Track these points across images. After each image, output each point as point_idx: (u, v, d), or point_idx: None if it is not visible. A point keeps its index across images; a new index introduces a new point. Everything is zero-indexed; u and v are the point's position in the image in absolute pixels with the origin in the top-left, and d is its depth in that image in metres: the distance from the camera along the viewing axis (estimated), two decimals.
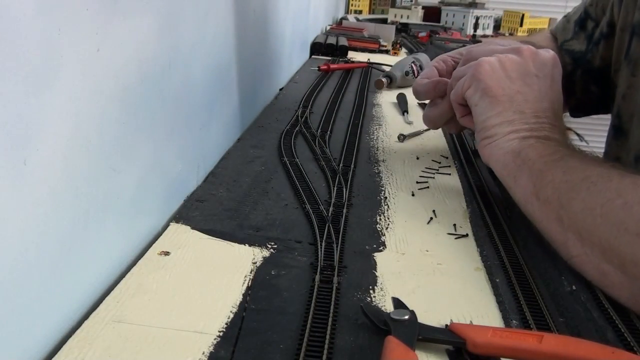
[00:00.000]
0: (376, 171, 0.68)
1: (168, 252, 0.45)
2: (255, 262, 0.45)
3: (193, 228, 0.49)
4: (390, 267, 0.46)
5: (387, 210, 0.57)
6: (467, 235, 0.53)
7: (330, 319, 0.37)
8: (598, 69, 0.76)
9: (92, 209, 0.39)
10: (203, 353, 0.34)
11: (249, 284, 0.42)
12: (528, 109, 0.57)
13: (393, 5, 3.17)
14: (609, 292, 0.43)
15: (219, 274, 0.43)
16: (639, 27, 0.67)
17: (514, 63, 0.59)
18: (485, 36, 2.75)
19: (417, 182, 0.65)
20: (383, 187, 0.63)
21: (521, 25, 2.96)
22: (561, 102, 0.60)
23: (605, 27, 0.75)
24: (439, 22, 2.97)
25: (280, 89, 1.10)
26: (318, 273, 0.43)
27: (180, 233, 0.49)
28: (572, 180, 0.48)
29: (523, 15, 2.97)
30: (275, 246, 0.48)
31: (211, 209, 0.54)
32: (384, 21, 2.77)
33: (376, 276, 0.45)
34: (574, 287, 0.45)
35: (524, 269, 0.47)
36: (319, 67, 1.26)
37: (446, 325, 0.38)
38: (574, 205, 0.47)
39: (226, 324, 0.37)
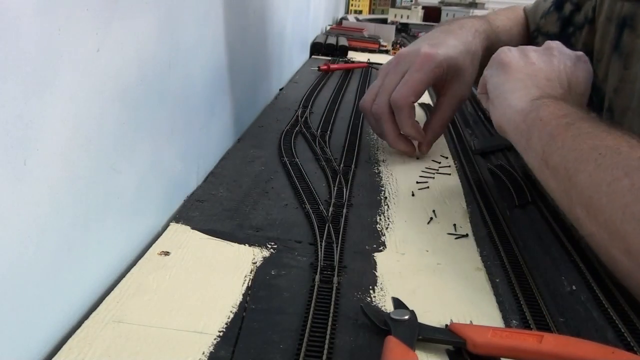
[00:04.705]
0: (376, 171, 0.68)
1: (168, 252, 0.45)
2: (255, 262, 0.45)
3: (193, 228, 0.49)
4: (390, 267, 0.46)
5: (387, 210, 0.57)
6: (467, 235, 0.53)
7: (330, 319, 0.37)
8: None
9: (92, 209, 0.39)
10: (203, 353, 0.34)
11: (249, 284, 0.42)
12: (539, 72, 0.58)
13: (393, 5, 3.18)
14: (620, 280, 0.43)
15: (219, 274, 0.43)
16: (630, 18, 0.67)
17: (535, 49, 0.61)
18: None
19: (417, 182, 0.65)
20: (383, 187, 0.63)
21: None
22: (583, 92, 0.59)
23: (590, 12, 0.75)
24: (439, 22, 2.97)
25: (280, 89, 1.10)
26: (318, 273, 0.43)
27: (180, 233, 0.49)
28: (581, 148, 0.46)
29: None
30: (275, 246, 0.48)
31: (211, 209, 0.54)
32: (384, 21, 2.77)
33: (376, 276, 0.45)
34: (574, 287, 0.45)
35: (524, 269, 0.47)
36: (319, 67, 1.26)
37: (446, 325, 0.38)
38: (581, 179, 0.45)
39: (226, 324, 0.37)
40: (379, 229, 0.53)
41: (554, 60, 0.59)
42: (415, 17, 3.00)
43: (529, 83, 0.57)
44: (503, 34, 0.82)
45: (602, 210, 0.42)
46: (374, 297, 0.42)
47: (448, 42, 0.71)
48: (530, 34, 0.85)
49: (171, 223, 0.50)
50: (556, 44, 0.62)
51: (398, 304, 0.40)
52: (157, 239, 0.47)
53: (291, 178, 0.62)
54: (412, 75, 0.69)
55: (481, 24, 0.78)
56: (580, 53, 0.61)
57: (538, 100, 0.54)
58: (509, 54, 0.60)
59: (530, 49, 0.61)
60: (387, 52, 1.79)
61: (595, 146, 0.45)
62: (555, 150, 0.48)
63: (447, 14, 2.96)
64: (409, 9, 3.05)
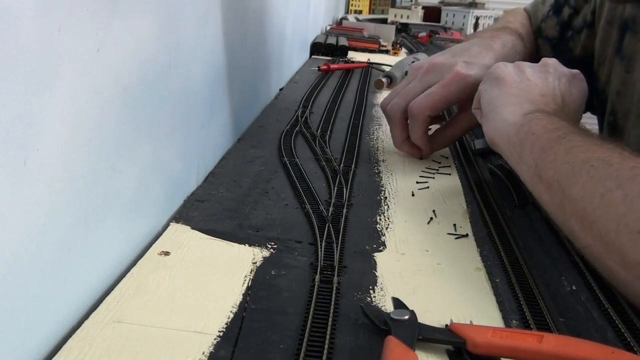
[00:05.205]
0: (376, 171, 0.68)
1: (168, 252, 0.45)
2: (255, 262, 0.45)
3: (193, 228, 0.49)
4: (390, 267, 0.46)
5: (387, 210, 0.57)
6: (467, 235, 0.53)
7: (330, 319, 0.37)
8: (577, 58, 0.76)
9: (92, 209, 0.39)
10: (203, 353, 0.34)
11: (249, 284, 0.42)
12: (534, 88, 0.58)
13: (393, 5, 3.18)
14: (618, 289, 0.43)
15: (219, 274, 0.43)
16: (632, 21, 0.67)
17: (531, 66, 0.60)
18: None
19: (417, 182, 0.65)
20: (383, 187, 0.63)
21: None
22: (577, 109, 0.59)
23: (589, 15, 0.75)
24: (439, 22, 2.98)
25: (280, 89, 1.10)
26: (318, 273, 0.43)
27: (180, 233, 0.49)
28: (573, 161, 0.46)
29: None
30: (275, 246, 0.48)
31: (211, 209, 0.54)
32: (384, 21, 2.77)
33: (376, 276, 0.45)
34: (574, 287, 0.45)
35: (524, 269, 0.47)
36: (319, 67, 1.26)
37: (446, 325, 0.38)
38: (575, 192, 0.45)
39: (226, 324, 0.37)
40: (379, 229, 0.53)
41: (549, 77, 0.59)
42: (415, 17, 3.01)
43: (522, 98, 0.57)
44: (526, 41, 0.82)
45: (596, 222, 0.43)
46: (374, 297, 0.42)
47: (484, 62, 0.70)
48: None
49: (171, 223, 0.50)
50: (552, 61, 0.62)
51: (398, 304, 0.40)
52: (157, 239, 0.47)
53: (291, 178, 0.62)
54: (437, 90, 0.68)
55: (518, 42, 0.77)
56: (576, 71, 0.61)
57: (530, 115, 0.54)
58: (505, 69, 0.60)
59: (526, 64, 0.61)
60: (387, 52, 1.78)
61: (587, 158, 0.45)
62: (547, 163, 0.49)
63: (447, 14, 2.96)
64: (409, 9, 3.06)
